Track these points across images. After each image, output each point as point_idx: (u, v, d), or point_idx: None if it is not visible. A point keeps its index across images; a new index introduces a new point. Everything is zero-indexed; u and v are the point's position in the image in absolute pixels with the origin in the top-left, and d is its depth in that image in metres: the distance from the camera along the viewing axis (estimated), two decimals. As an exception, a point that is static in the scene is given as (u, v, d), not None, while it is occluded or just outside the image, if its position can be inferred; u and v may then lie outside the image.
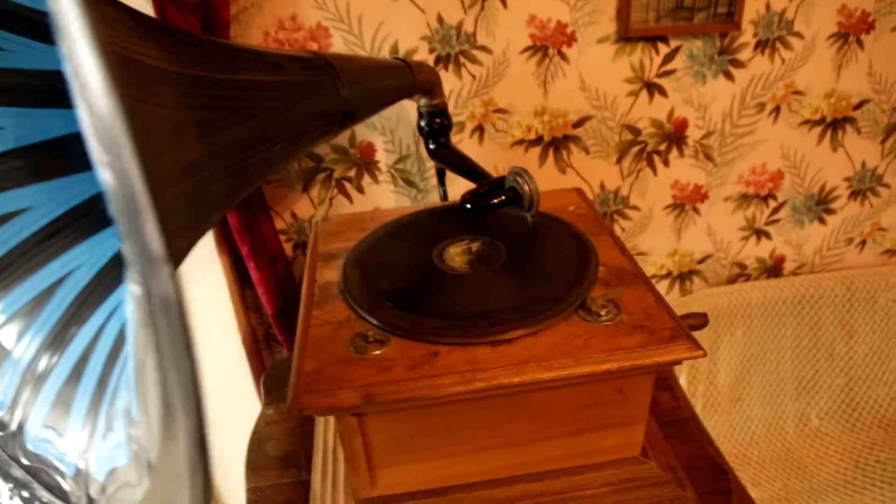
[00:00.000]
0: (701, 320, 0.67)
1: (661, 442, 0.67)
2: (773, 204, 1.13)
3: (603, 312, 0.54)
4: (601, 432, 0.59)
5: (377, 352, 0.52)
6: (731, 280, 1.21)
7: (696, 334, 0.54)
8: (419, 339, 0.53)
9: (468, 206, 0.67)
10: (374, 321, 0.55)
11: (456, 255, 0.64)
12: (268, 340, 1.08)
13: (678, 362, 0.52)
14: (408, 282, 0.61)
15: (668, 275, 1.17)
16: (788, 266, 1.21)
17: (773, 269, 1.21)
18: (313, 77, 0.54)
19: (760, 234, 1.16)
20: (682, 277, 1.18)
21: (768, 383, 1.20)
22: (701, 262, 1.17)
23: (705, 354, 0.51)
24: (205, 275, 0.89)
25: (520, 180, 0.65)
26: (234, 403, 1.02)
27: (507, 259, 0.63)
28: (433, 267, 0.62)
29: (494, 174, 0.98)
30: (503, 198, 0.66)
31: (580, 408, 0.57)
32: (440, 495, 0.59)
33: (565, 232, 0.68)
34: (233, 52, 0.45)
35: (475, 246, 0.65)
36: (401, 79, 0.68)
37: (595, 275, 0.60)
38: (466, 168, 0.78)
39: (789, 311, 1.17)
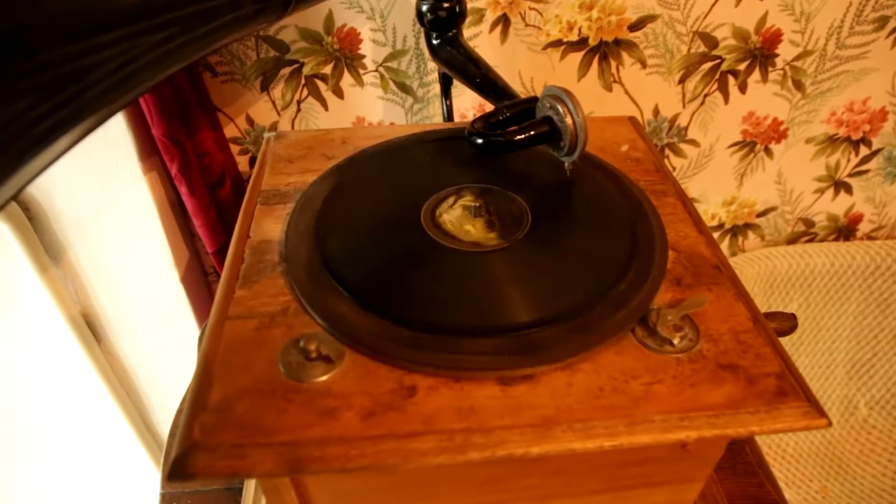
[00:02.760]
0: (788, 324, 0.50)
1: (712, 485, 0.52)
2: (864, 151, 0.92)
3: (676, 339, 0.37)
4: (644, 490, 0.44)
5: (322, 377, 0.35)
6: (792, 239, 1.03)
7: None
8: (388, 360, 0.35)
9: (479, 140, 0.47)
10: (322, 322, 0.37)
11: (455, 215, 0.45)
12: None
13: (786, 431, 0.35)
14: (381, 258, 0.42)
15: (720, 226, 0.99)
16: (864, 228, 1.03)
17: (846, 229, 1.03)
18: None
19: (840, 186, 0.96)
20: (735, 231, 1.00)
21: (817, 364, 1.05)
22: (761, 214, 0.98)
23: (830, 424, 0.34)
24: (128, 199, 0.70)
25: (560, 108, 0.45)
26: (170, 357, 0.86)
27: (530, 231, 0.44)
28: (421, 234, 0.43)
29: (518, 86, 0.78)
30: (532, 133, 0.46)
31: (622, 465, 0.41)
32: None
33: (616, 190, 0.49)
34: None
35: (484, 203, 0.46)
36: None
37: (663, 269, 0.42)
38: (481, 78, 0.58)
39: (857, 281, 1.00)
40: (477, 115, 0.80)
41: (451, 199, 0.47)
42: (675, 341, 0.36)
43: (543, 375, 0.35)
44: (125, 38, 0.27)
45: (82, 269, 0.73)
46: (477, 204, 0.45)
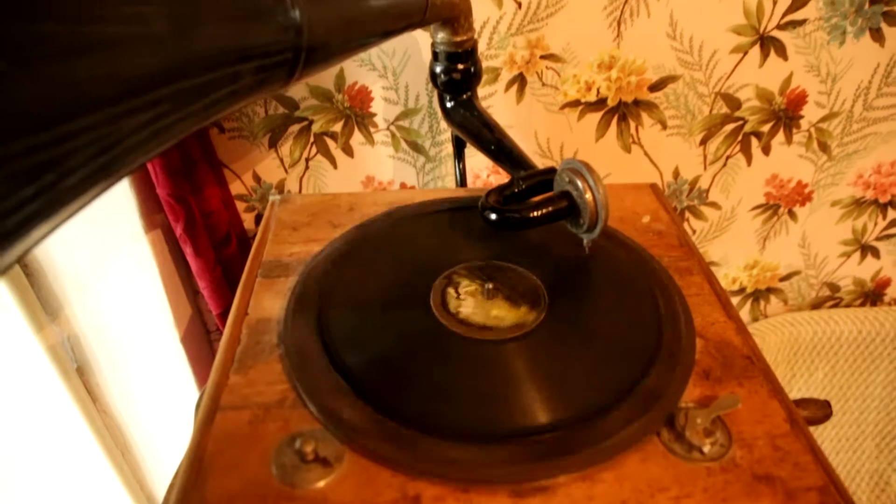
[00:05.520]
0: (822, 412, 0.48)
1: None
2: (892, 214, 0.90)
3: (707, 445, 0.34)
4: None
5: (318, 483, 0.32)
6: (817, 304, 1.00)
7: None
8: (391, 465, 0.32)
9: (493, 216, 0.45)
10: (321, 417, 0.35)
11: (467, 296, 0.43)
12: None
13: (832, 557, 0.31)
14: (386, 346, 0.40)
15: (741, 291, 0.96)
16: (892, 292, 1.00)
17: (873, 294, 0.99)
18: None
19: (867, 250, 0.94)
20: (757, 296, 0.97)
21: (845, 436, 1.01)
22: (784, 279, 0.95)
23: (883, 550, 0.31)
24: (129, 257, 0.68)
25: (579, 183, 0.43)
26: (168, 417, 0.84)
27: (546, 317, 0.42)
28: (430, 319, 0.41)
29: (533, 147, 0.76)
30: (549, 209, 0.44)
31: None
32: None
33: (638, 270, 0.47)
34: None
35: (497, 285, 0.44)
36: None
37: (690, 361, 0.39)
38: (496, 145, 0.56)
39: (886, 349, 0.96)
40: (491, 176, 0.79)
41: (463, 279, 0.45)
42: (706, 448, 0.34)
43: (560, 487, 0.32)
44: (109, 120, 0.25)
45: (80, 327, 0.71)
46: (490, 286, 0.43)
